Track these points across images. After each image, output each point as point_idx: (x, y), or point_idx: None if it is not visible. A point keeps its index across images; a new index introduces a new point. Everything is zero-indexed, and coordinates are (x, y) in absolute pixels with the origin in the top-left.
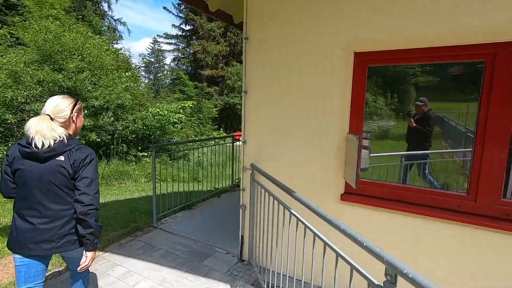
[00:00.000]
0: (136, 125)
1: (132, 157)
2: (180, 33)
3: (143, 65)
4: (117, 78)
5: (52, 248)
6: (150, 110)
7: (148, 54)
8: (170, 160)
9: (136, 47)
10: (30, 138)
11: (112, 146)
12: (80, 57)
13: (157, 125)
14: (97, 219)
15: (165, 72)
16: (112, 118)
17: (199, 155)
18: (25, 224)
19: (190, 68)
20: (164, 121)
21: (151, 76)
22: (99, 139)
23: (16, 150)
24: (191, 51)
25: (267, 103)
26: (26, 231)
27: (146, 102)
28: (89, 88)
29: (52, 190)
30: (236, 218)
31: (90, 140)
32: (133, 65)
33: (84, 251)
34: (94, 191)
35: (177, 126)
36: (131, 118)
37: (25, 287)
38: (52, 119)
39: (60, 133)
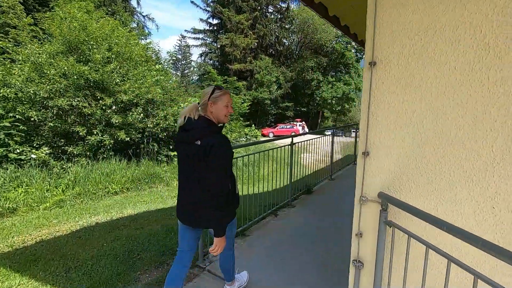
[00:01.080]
0: (167, 122)
1: (163, 157)
2: (207, 27)
3: (171, 62)
4: (146, 71)
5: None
6: (182, 106)
7: (175, 51)
8: None
9: (163, 45)
10: None
11: (142, 145)
12: (107, 46)
13: None
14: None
15: (192, 68)
16: (142, 114)
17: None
18: None
19: (217, 63)
20: None
21: (178, 73)
22: (128, 138)
23: None
24: (219, 46)
25: (417, 85)
26: None
27: (177, 97)
28: (117, 81)
29: None
30: (311, 254)
31: (119, 139)
32: (163, 60)
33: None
34: None
35: None
36: (162, 115)
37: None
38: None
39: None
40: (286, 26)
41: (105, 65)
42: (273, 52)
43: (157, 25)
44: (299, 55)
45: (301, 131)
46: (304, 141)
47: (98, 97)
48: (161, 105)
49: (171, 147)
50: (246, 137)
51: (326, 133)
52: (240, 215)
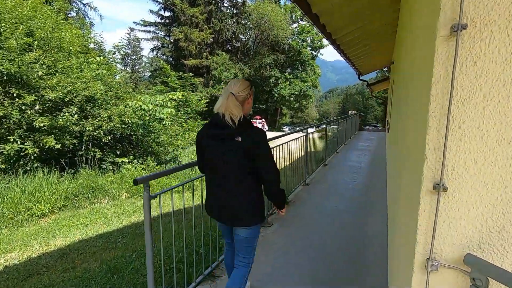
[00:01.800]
0: (112, 124)
1: (108, 165)
2: (159, 20)
3: (119, 57)
4: (84, 63)
5: None
6: (130, 104)
7: (124, 45)
8: (157, 165)
9: (109, 39)
10: None
11: (80, 153)
12: (27, 30)
13: (139, 122)
14: None
15: (143, 64)
16: (77, 115)
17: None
18: None
19: (171, 58)
20: (147, 117)
21: (128, 69)
22: (59, 145)
23: None
24: (172, 40)
25: None
26: None
27: (124, 95)
28: (41, 73)
29: None
30: None
31: (47, 146)
32: (107, 53)
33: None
34: None
35: (165, 123)
36: (105, 115)
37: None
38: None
39: None
40: (243, 22)
41: (24, 54)
42: (230, 48)
43: (100, 15)
44: (256, 51)
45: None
46: (277, 145)
47: (14, 94)
48: (104, 103)
49: (118, 152)
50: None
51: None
52: (209, 248)
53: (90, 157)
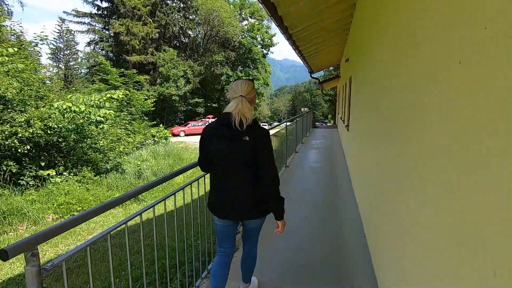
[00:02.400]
0: (32, 130)
1: (29, 180)
2: (95, 10)
3: (48, 51)
4: None
5: None
6: (55, 106)
7: (55, 38)
8: (95, 175)
9: (37, 32)
10: None
11: None
12: None
13: (70, 126)
14: None
15: (79, 60)
16: None
17: (138, 162)
18: None
19: (111, 53)
20: (81, 120)
21: (61, 65)
22: None
23: None
24: (112, 33)
25: None
26: None
27: (49, 94)
28: None
29: None
30: None
31: None
32: (27, 44)
33: None
34: None
35: (103, 127)
36: (22, 119)
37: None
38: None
39: None
40: (191, 17)
41: None
42: (178, 44)
43: (21, 2)
44: (206, 48)
45: None
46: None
47: None
48: (20, 105)
49: (43, 163)
50: (153, 139)
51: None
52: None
53: (2, 173)
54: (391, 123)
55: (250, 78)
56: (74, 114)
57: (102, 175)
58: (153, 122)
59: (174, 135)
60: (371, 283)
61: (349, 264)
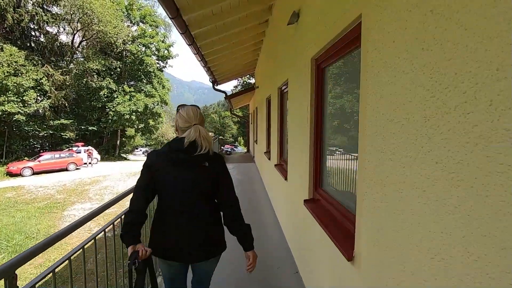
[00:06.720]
0: None
1: None
2: None
3: None
4: None
5: None
6: None
7: None
8: None
9: None
10: None
11: None
12: None
13: None
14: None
15: None
16: None
17: None
18: None
19: None
20: None
21: None
22: None
23: None
24: None
25: None
26: None
27: None
28: None
29: None
30: None
31: None
32: None
33: None
34: None
35: None
36: None
37: None
38: None
39: None
40: (51, 9)
41: None
42: (30, 44)
43: None
44: (76, 52)
45: (85, 161)
46: None
47: None
48: None
49: None
50: None
51: None
52: None
53: None
54: None
55: (181, 103)
56: None
57: None
58: None
59: (11, 174)
60: None
61: None
